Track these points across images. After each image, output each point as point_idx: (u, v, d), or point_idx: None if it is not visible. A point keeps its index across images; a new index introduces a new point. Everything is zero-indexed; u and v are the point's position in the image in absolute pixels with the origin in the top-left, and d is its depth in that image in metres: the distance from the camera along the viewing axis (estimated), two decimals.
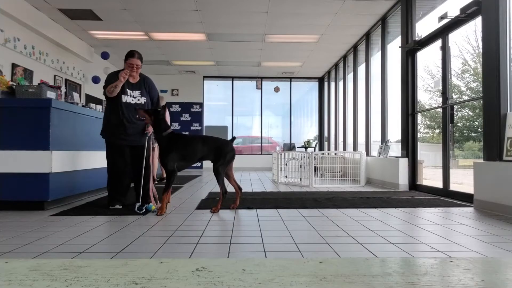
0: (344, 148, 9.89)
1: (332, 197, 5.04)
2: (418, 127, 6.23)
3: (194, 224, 3.20)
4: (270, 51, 9.56)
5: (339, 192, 5.73)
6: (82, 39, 8.61)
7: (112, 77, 3.83)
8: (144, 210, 3.71)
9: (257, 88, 12.79)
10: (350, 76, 9.56)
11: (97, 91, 9.11)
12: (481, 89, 4.46)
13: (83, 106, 5.08)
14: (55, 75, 7.83)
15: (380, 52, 7.36)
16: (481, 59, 4.33)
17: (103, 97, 4.34)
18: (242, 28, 7.82)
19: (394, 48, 6.85)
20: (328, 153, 8.90)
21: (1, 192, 3.82)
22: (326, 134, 12.29)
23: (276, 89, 12.77)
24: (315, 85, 13.08)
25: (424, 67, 6.91)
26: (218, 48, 9.36)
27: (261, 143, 12.89)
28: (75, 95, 5.08)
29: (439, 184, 5.34)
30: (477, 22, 4.68)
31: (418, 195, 5.28)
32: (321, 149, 12.30)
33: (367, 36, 8.06)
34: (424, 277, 1.44)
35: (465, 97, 7.74)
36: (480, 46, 4.61)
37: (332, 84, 11.45)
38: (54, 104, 3.90)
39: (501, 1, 3.98)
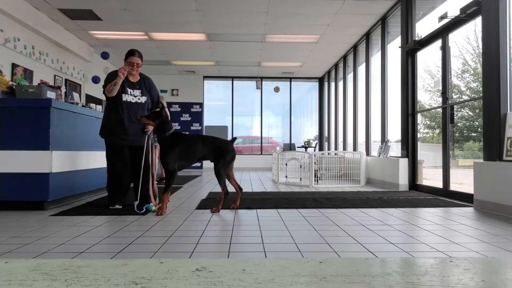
0: (344, 148, 9.89)
1: (332, 197, 5.04)
2: (418, 127, 6.23)
3: (194, 224, 3.20)
4: (270, 51, 9.56)
5: (339, 192, 5.73)
6: (82, 39, 8.61)
7: (112, 76, 3.83)
8: (144, 210, 3.71)
9: (257, 88, 12.79)
10: (350, 76, 9.56)
11: (97, 91, 9.11)
12: (481, 89, 4.46)
13: (83, 106, 5.08)
14: (55, 75, 7.83)
15: (380, 52, 7.36)
16: (481, 59, 4.33)
17: (103, 97, 4.34)
18: (242, 28, 7.82)
19: (394, 48, 6.85)
20: (328, 153, 8.90)
21: (1, 192, 3.82)
22: (326, 134, 12.29)
23: (276, 89, 12.77)
24: (315, 85, 13.08)
25: (424, 67, 6.92)
26: (218, 48, 9.36)
27: (261, 143, 12.88)
28: (75, 95, 5.08)
29: (439, 184, 5.34)
30: (477, 22, 4.69)
31: (418, 195, 5.28)
32: (321, 149, 12.29)
33: (367, 36, 8.06)
34: (424, 277, 1.44)
35: (465, 97, 7.75)
36: (480, 46, 4.61)
37: (332, 84, 11.45)
38: (54, 104, 3.89)
39: (501, 1, 3.98)
